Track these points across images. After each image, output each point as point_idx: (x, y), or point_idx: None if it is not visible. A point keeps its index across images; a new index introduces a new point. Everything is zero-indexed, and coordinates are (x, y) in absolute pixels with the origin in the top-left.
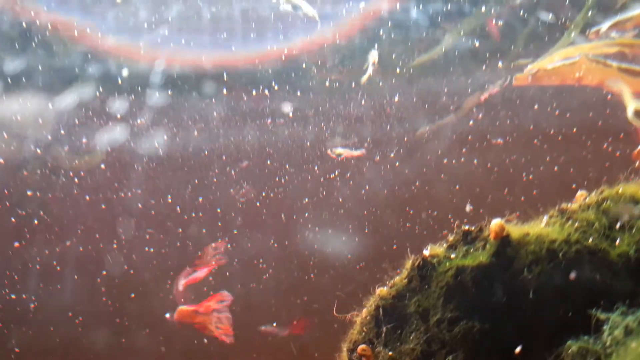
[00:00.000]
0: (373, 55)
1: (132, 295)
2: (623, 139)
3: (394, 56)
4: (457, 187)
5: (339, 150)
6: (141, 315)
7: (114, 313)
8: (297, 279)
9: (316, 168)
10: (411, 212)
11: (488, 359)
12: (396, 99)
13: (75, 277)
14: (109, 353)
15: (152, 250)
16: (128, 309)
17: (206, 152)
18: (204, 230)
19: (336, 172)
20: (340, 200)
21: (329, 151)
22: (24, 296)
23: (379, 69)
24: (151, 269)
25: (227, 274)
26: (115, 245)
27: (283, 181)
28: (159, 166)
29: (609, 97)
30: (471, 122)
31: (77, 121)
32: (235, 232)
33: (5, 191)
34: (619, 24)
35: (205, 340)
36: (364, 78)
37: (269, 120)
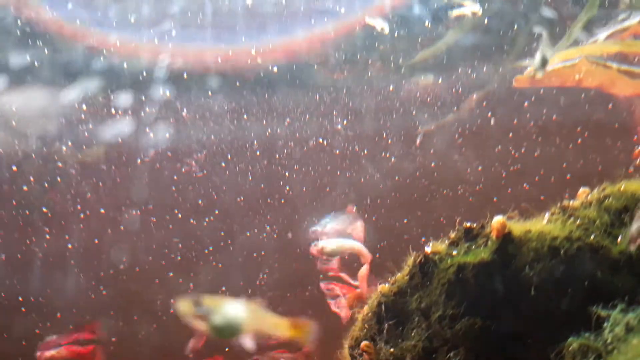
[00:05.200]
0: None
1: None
2: (625, 136)
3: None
4: (460, 184)
5: None
6: (144, 308)
7: (117, 306)
8: (298, 273)
9: (318, 163)
10: (413, 208)
11: (490, 355)
12: (398, 94)
13: (77, 270)
14: (112, 344)
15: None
16: (131, 302)
17: (208, 147)
18: (204, 224)
19: (337, 168)
20: (341, 196)
21: None
22: (27, 288)
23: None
24: (154, 262)
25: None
26: (117, 239)
27: (285, 175)
28: (161, 161)
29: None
30: (474, 119)
31: (79, 116)
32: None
33: (7, 185)
34: (616, 34)
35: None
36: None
37: (272, 115)
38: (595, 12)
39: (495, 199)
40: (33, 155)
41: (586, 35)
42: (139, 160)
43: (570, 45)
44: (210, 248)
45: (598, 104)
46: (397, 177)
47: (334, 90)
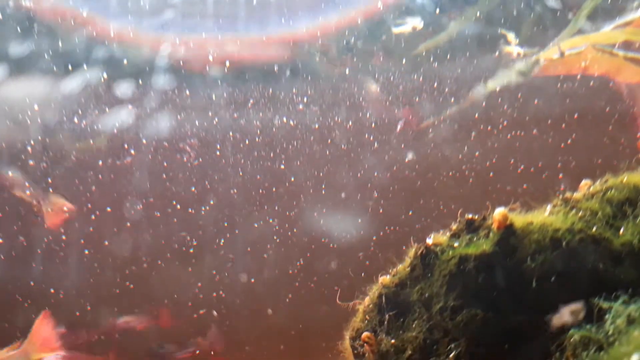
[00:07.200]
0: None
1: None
2: (628, 127)
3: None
4: (462, 175)
5: None
6: (146, 298)
7: (119, 295)
8: (299, 267)
9: (319, 154)
10: (414, 200)
11: (490, 347)
12: (401, 85)
13: (80, 258)
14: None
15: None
16: (133, 292)
17: (209, 137)
18: (202, 212)
19: (340, 158)
20: (343, 187)
21: None
22: (29, 277)
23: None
24: (155, 252)
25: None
26: (118, 229)
27: (285, 166)
28: (163, 150)
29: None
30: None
31: (80, 106)
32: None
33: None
34: (619, 27)
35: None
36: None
37: (272, 106)
38: (600, 0)
39: (495, 192)
40: (34, 146)
41: (591, 25)
42: (136, 152)
43: (574, 34)
44: (222, 241)
45: (601, 93)
46: (399, 168)
47: (335, 80)
